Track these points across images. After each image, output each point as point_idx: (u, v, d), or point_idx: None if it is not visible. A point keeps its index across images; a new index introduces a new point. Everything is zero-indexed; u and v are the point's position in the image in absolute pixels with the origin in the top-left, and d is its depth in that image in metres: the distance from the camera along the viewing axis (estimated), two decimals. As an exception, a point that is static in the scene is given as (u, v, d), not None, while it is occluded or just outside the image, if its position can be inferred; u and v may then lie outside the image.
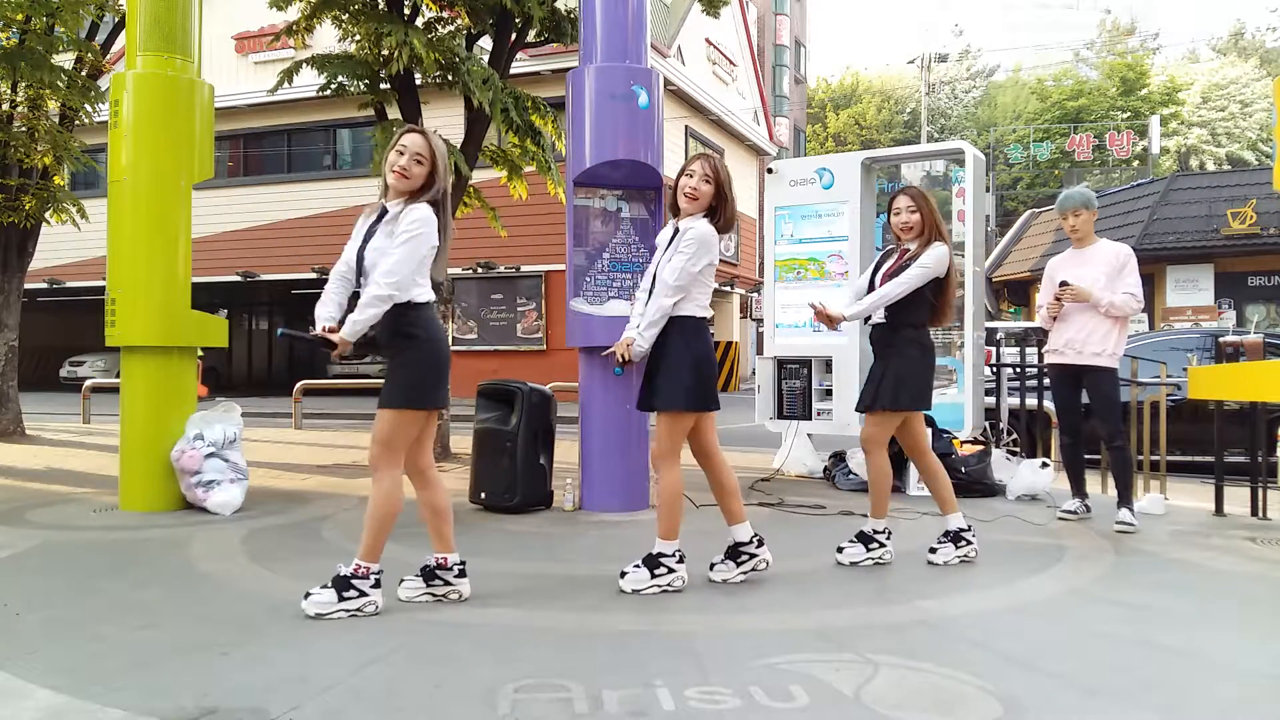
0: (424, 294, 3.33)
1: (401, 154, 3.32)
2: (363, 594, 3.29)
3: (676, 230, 3.76)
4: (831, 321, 4.15)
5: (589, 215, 5.57)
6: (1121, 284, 4.96)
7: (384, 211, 3.38)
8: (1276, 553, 4.47)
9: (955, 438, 6.36)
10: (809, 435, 7.09)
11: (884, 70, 53.30)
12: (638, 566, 3.62)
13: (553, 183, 8.59)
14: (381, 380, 3.40)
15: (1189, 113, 40.41)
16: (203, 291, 8.85)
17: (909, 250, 4.14)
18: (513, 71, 8.30)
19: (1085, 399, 5.15)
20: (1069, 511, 5.22)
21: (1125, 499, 5.02)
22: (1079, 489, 5.28)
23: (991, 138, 35.71)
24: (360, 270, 3.33)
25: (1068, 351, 5.08)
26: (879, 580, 3.87)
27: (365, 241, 3.35)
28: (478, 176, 8.51)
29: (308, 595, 3.27)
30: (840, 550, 4.18)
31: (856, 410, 4.37)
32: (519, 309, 18.18)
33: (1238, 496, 5.64)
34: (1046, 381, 7.35)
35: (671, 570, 3.63)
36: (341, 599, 3.26)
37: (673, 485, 3.65)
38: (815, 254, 7.08)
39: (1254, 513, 5.40)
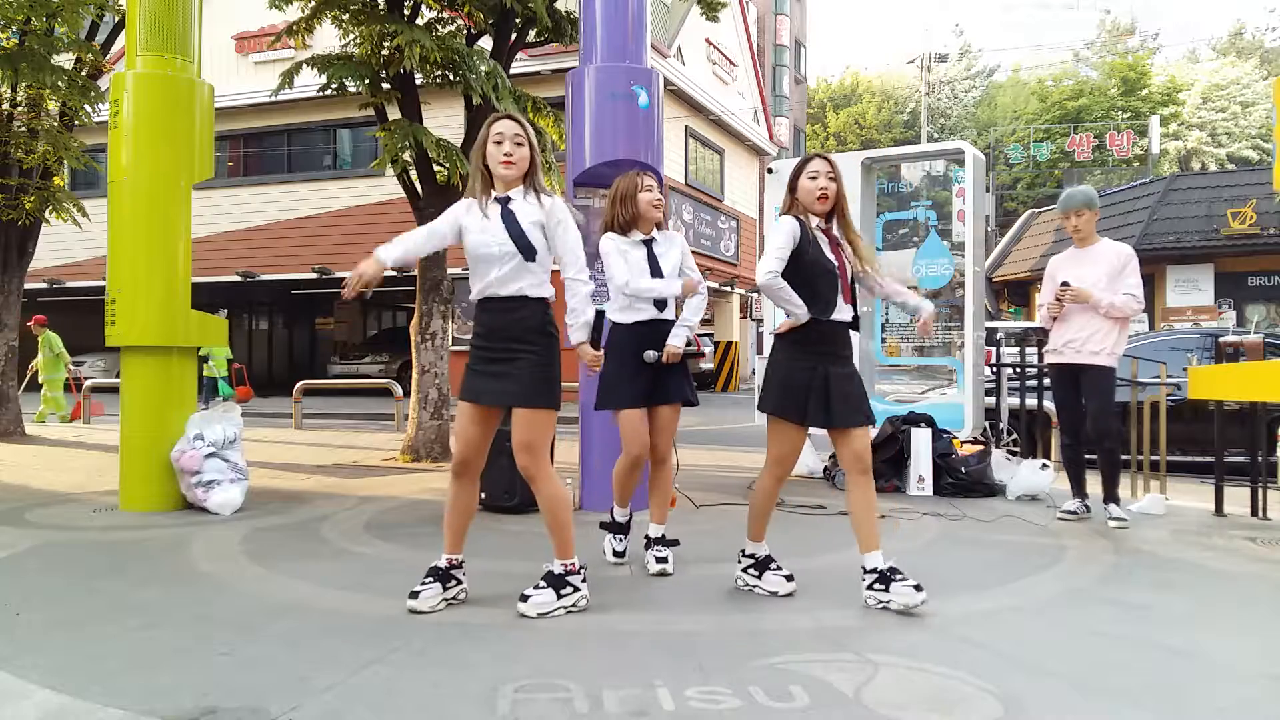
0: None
1: (500, 142, 3.33)
2: (576, 589, 3.37)
3: (652, 240, 3.98)
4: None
5: (589, 215, 5.56)
6: (1122, 284, 4.98)
7: (505, 200, 3.37)
8: (1276, 553, 4.47)
9: (955, 438, 6.36)
10: (809, 435, 7.08)
11: (884, 70, 53.38)
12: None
13: (551, 183, 8.59)
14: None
15: (1189, 114, 40.40)
16: (203, 291, 8.86)
17: (825, 228, 3.54)
18: (513, 71, 8.31)
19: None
20: (1069, 512, 5.23)
21: (1113, 495, 5.09)
22: (1079, 489, 5.28)
23: (991, 138, 35.71)
24: (529, 244, 3.31)
25: (1067, 351, 5.10)
26: (879, 580, 3.86)
27: (514, 226, 3.31)
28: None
29: (525, 598, 3.29)
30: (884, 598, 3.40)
31: (857, 426, 3.45)
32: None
33: (1238, 496, 5.64)
34: (1047, 381, 7.36)
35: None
36: (560, 596, 3.32)
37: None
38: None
39: (1254, 513, 5.40)
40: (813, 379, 3.43)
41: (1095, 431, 5.08)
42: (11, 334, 9.69)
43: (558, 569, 3.37)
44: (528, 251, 3.29)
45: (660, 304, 3.96)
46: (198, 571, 4.00)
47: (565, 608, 3.31)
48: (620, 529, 4.08)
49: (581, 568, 3.42)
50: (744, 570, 3.69)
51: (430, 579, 3.36)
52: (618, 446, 5.34)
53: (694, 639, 3.03)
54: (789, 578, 3.58)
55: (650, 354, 3.89)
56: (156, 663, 2.81)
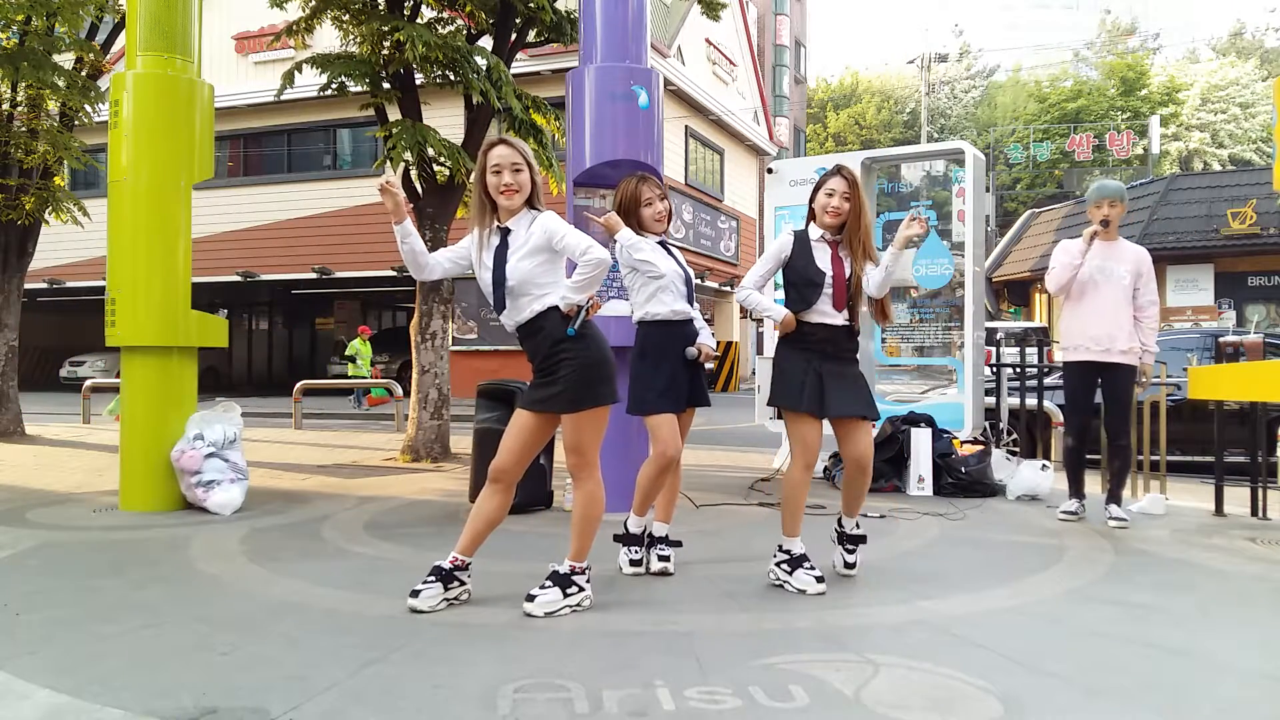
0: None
1: (499, 172, 3.26)
2: (581, 588, 3.38)
3: (664, 243, 4.06)
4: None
5: (589, 214, 5.56)
6: (1145, 290, 5.03)
7: (505, 232, 3.32)
8: (1276, 553, 4.47)
9: (955, 438, 6.36)
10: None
11: (884, 70, 53.38)
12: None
13: (555, 181, 8.61)
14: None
15: (1188, 115, 40.40)
16: (203, 291, 8.87)
17: (831, 240, 3.73)
18: (513, 72, 8.32)
19: (1096, 398, 5.16)
20: (1069, 513, 5.21)
21: (1117, 496, 5.10)
22: (1078, 489, 5.27)
23: (991, 138, 35.71)
24: (503, 295, 3.30)
25: (1094, 349, 4.99)
26: (879, 580, 3.87)
27: (499, 267, 3.29)
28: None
29: (532, 598, 3.29)
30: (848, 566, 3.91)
31: (852, 416, 3.67)
32: (519, 309, 18.15)
33: (1238, 496, 5.64)
34: (1047, 381, 7.36)
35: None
36: (566, 595, 3.33)
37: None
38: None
39: (1254, 513, 5.40)
40: (806, 372, 3.66)
41: (1114, 429, 5.08)
42: (12, 334, 9.68)
43: (564, 568, 3.37)
44: (499, 303, 3.32)
45: (690, 301, 4.01)
46: (198, 571, 4.00)
47: (571, 606, 3.31)
48: (635, 540, 4.03)
49: (586, 567, 3.42)
50: (777, 564, 3.73)
51: (432, 579, 3.35)
52: (623, 448, 5.36)
53: (694, 639, 3.03)
54: (819, 579, 3.60)
55: (691, 350, 3.95)
56: (156, 663, 2.81)
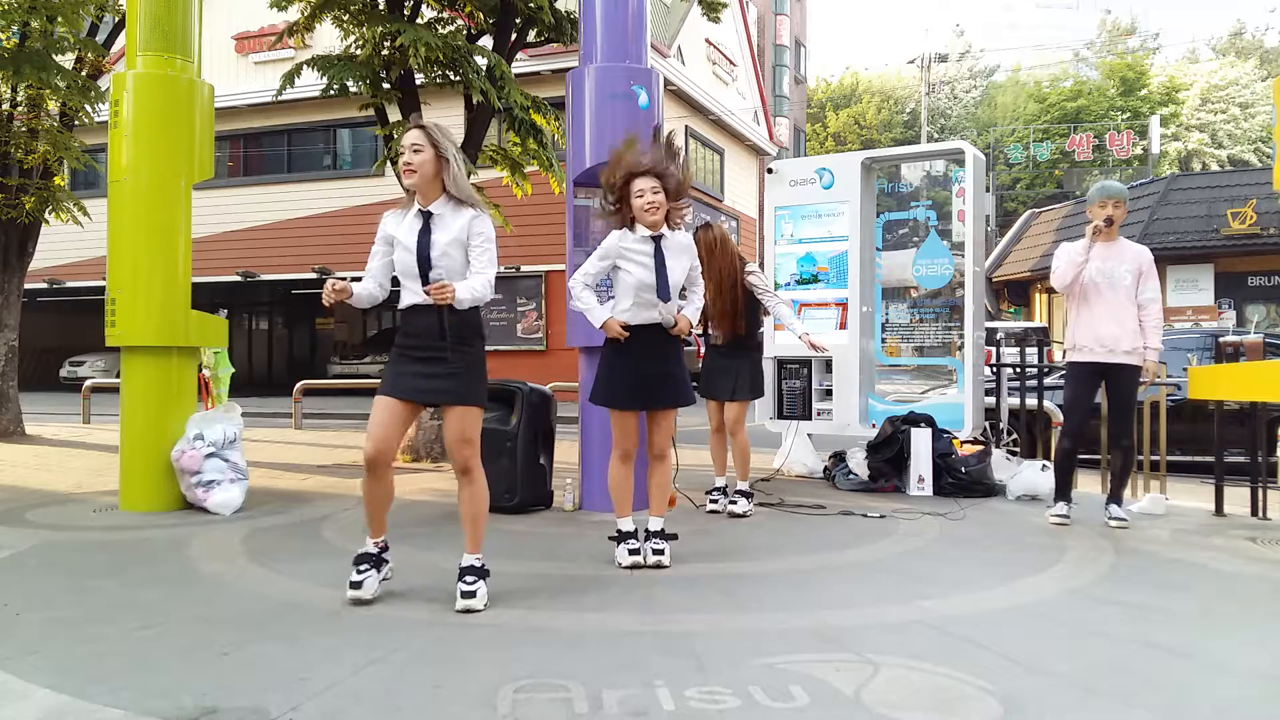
0: None
1: (402, 153, 3.42)
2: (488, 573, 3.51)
3: (661, 237, 4.03)
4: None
5: (589, 215, 5.56)
6: (1146, 288, 5.02)
7: (427, 215, 3.40)
8: (1276, 553, 4.47)
9: (955, 438, 6.36)
10: (809, 435, 7.09)
11: (884, 70, 53.42)
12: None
13: (556, 180, 8.61)
14: (380, 380, 3.44)
15: (1188, 115, 40.40)
16: (203, 291, 8.86)
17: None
18: (513, 72, 8.32)
19: (1097, 399, 5.16)
20: (1062, 516, 5.13)
21: (1118, 496, 5.09)
22: (1067, 492, 5.21)
23: (991, 138, 35.71)
24: (427, 268, 3.34)
25: (1099, 350, 4.98)
26: (879, 580, 3.87)
27: (425, 245, 3.36)
28: (479, 175, 8.52)
29: (472, 594, 3.32)
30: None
31: (728, 399, 5.25)
32: (519, 309, 18.18)
33: (1238, 496, 5.64)
34: (1047, 381, 7.36)
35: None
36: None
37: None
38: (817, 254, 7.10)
39: (1254, 513, 5.40)
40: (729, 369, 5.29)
41: (1117, 429, 5.08)
42: (12, 334, 9.68)
43: (478, 562, 3.43)
44: (425, 279, 3.32)
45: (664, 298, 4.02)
46: (198, 571, 4.00)
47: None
48: (629, 536, 4.06)
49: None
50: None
51: (365, 566, 3.43)
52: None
53: (694, 639, 3.03)
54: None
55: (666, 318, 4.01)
56: (156, 663, 2.81)
